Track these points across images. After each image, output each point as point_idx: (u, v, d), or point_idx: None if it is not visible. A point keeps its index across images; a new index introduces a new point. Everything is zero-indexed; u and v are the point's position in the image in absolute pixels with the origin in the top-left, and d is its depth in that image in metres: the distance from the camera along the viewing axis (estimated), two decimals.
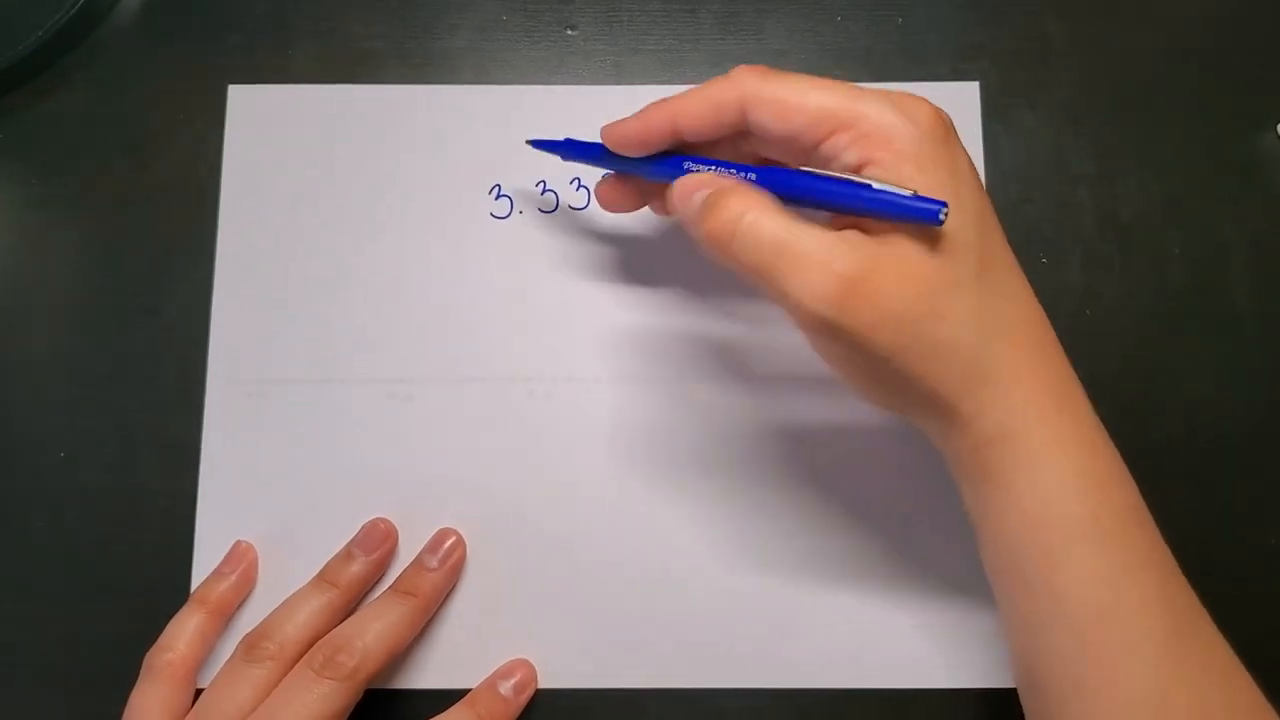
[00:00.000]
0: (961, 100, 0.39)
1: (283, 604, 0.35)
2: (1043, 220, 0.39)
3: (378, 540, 0.36)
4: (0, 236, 0.39)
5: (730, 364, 0.38)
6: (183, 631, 0.34)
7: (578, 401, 0.38)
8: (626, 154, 0.32)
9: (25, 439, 0.38)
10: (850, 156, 0.28)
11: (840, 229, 0.28)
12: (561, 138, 0.35)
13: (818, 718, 0.36)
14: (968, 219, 0.28)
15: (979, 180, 0.29)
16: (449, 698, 0.35)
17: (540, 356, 0.38)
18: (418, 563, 0.36)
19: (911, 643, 0.36)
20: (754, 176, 0.30)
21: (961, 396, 0.28)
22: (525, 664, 0.36)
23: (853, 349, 0.27)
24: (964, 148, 0.29)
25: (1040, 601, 0.28)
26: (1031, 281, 0.38)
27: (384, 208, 0.39)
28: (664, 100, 0.31)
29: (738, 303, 0.38)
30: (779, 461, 0.37)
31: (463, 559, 0.36)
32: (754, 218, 0.28)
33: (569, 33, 0.41)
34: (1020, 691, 0.30)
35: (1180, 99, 0.40)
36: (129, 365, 0.38)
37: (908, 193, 0.26)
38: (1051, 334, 0.29)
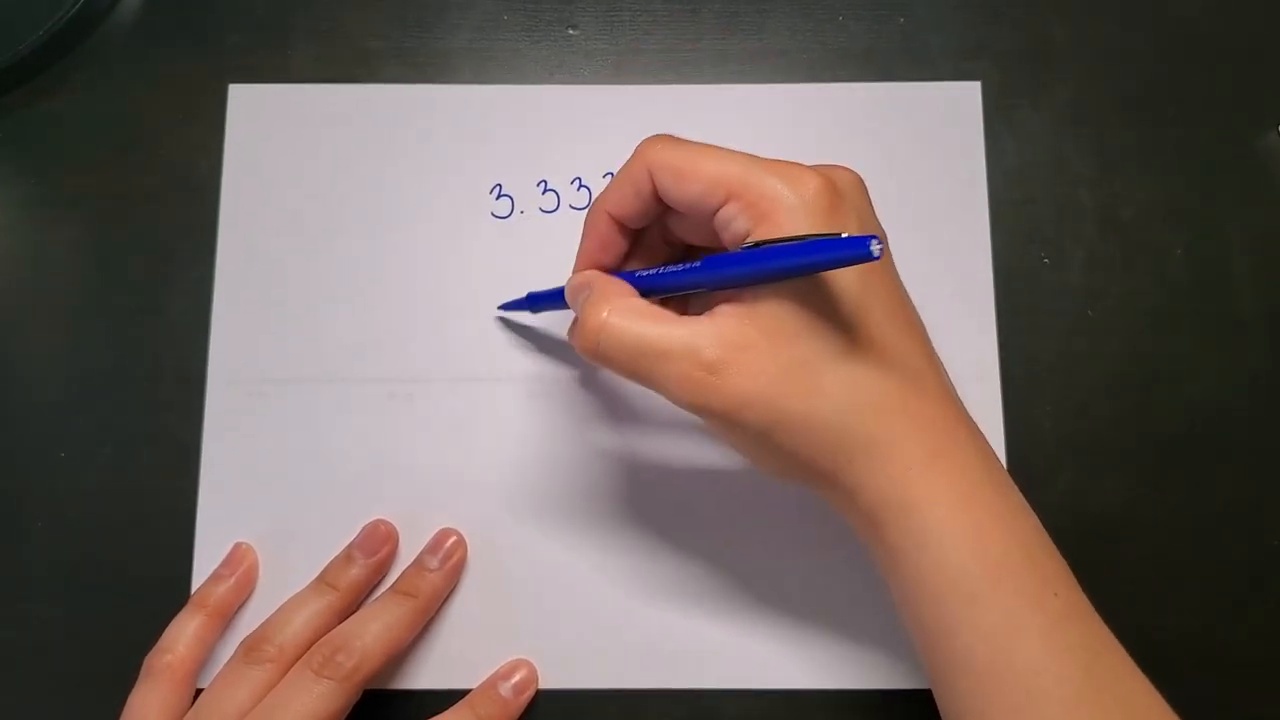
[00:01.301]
0: (963, 100, 0.39)
1: (283, 606, 0.35)
2: (1044, 220, 0.39)
3: (378, 542, 0.36)
4: (0, 236, 0.39)
5: None
6: (182, 633, 0.34)
7: (578, 401, 0.38)
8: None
9: (25, 439, 0.38)
10: (739, 225, 0.28)
11: (714, 306, 0.28)
12: (525, 295, 0.37)
13: (817, 719, 0.36)
14: (843, 293, 0.28)
15: None
16: (449, 698, 0.35)
17: (541, 356, 0.38)
18: (418, 563, 0.36)
19: (911, 643, 0.36)
20: (698, 264, 0.30)
21: (837, 469, 0.28)
22: (526, 664, 0.36)
23: (729, 428, 0.29)
24: (861, 216, 0.28)
25: (947, 657, 0.29)
26: (1033, 282, 0.38)
27: (385, 207, 0.39)
28: (595, 201, 0.31)
29: None
30: None
31: (463, 559, 0.36)
32: (614, 321, 0.28)
33: (570, 32, 0.41)
34: None
35: (1181, 99, 0.40)
36: (129, 365, 0.38)
37: (830, 237, 0.26)
38: (941, 396, 0.29)
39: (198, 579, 0.36)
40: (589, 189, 0.39)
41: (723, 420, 0.28)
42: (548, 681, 0.36)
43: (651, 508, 0.37)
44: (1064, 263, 0.39)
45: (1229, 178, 0.39)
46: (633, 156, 0.30)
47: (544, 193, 0.39)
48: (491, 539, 0.37)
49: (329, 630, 0.34)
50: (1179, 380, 0.38)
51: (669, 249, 0.33)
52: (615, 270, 0.32)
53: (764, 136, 0.39)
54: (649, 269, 0.31)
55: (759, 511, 0.37)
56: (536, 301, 0.36)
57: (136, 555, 0.37)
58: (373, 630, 0.33)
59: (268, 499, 0.37)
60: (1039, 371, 0.38)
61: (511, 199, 0.39)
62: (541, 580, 0.36)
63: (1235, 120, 0.40)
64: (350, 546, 0.36)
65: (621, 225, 0.31)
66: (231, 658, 0.34)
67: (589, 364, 0.37)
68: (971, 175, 0.39)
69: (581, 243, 0.32)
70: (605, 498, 0.37)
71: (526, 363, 0.38)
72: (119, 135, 0.40)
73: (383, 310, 0.38)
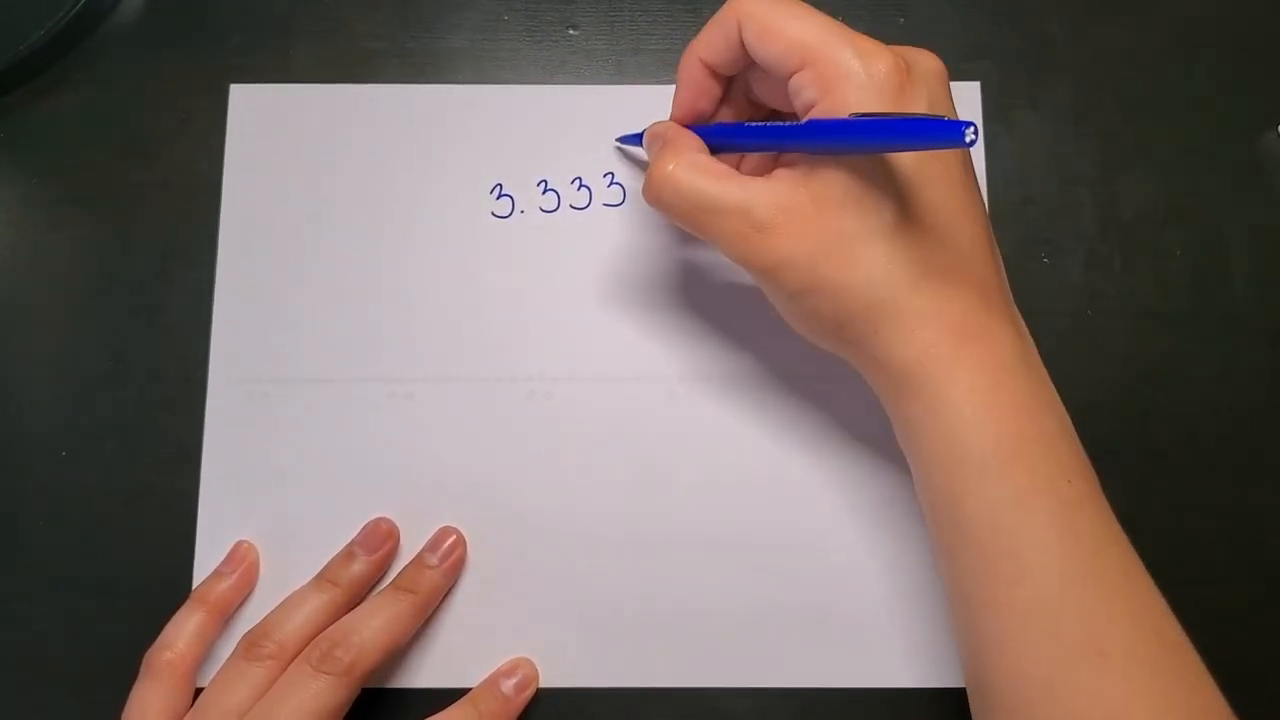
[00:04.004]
0: (963, 100, 0.39)
1: (283, 603, 0.35)
2: (1044, 220, 0.39)
3: (379, 540, 0.36)
4: (1, 236, 0.39)
5: (731, 364, 0.38)
6: (182, 631, 0.34)
7: (578, 401, 0.38)
8: (698, 124, 0.33)
9: (25, 439, 0.38)
10: (806, 95, 0.28)
11: (772, 169, 0.29)
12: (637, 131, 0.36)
13: (818, 717, 0.36)
14: (900, 171, 0.28)
15: None
16: (449, 697, 0.35)
17: (540, 356, 0.38)
18: (418, 560, 0.36)
19: (913, 641, 0.36)
20: (778, 124, 0.30)
21: (866, 336, 0.29)
22: (527, 662, 0.36)
23: (769, 285, 0.30)
24: (933, 100, 0.28)
25: (953, 532, 0.29)
26: (1033, 281, 0.39)
27: (385, 207, 0.39)
28: (688, 46, 0.32)
29: (738, 303, 0.38)
30: (780, 462, 0.37)
31: (463, 558, 0.36)
32: (678, 174, 0.29)
33: (570, 32, 0.41)
34: (950, 614, 0.31)
35: (1181, 99, 0.40)
36: (129, 365, 0.38)
37: (920, 118, 0.25)
38: (984, 284, 0.29)
39: (199, 577, 0.36)
40: (589, 189, 0.39)
41: (763, 277, 0.30)
42: (548, 680, 0.36)
43: (652, 506, 0.37)
44: (1063, 263, 0.39)
45: (1229, 178, 0.39)
46: (726, 6, 0.30)
47: (544, 193, 0.39)
48: (491, 538, 0.37)
49: (329, 627, 0.34)
50: (1179, 380, 0.38)
51: (753, 112, 0.33)
52: (708, 120, 0.33)
53: None
54: (727, 124, 0.32)
55: (759, 511, 0.37)
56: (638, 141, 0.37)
57: (137, 554, 0.37)
58: (372, 626, 0.33)
59: (268, 498, 0.37)
60: None
61: (512, 199, 0.39)
62: (541, 579, 0.36)
63: (1235, 120, 0.40)
64: (351, 544, 0.36)
65: (713, 71, 0.31)
66: (232, 654, 0.33)
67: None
68: None
69: (676, 90, 0.33)
70: (605, 497, 0.37)
71: (526, 363, 0.38)
72: (119, 135, 0.40)
73: (383, 310, 0.38)
